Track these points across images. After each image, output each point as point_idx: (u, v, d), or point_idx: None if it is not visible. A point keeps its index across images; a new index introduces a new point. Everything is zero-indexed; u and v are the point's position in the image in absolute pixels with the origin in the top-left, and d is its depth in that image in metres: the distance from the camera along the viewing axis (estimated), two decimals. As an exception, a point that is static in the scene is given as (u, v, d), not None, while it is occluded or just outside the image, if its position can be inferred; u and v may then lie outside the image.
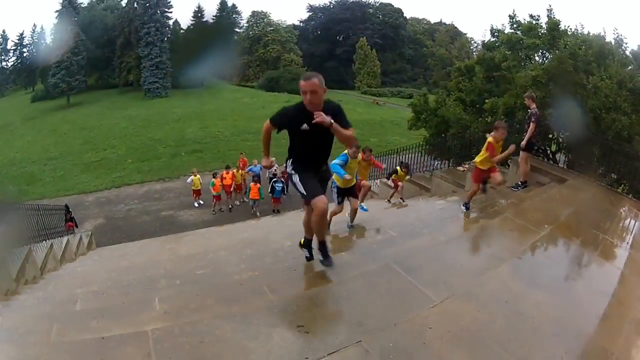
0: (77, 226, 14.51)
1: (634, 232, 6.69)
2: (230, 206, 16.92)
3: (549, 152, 12.03)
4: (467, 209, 7.20)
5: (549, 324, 3.53)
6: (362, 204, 8.02)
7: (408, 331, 3.25)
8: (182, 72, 50.43)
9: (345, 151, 6.53)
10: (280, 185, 15.49)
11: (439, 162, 12.87)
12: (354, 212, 7.19)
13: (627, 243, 6.08)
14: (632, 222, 7.13)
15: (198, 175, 17.05)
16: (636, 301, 4.19)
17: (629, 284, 4.60)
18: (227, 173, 16.53)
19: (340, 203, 6.84)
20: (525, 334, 3.34)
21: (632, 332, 3.60)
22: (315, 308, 3.56)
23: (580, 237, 5.75)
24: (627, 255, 5.45)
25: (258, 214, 15.17)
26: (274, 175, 15.84)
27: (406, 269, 4.22)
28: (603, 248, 5.45)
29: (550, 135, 11.78)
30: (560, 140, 11.66)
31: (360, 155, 7.14)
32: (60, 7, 50.19)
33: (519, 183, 8.50)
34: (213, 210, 16.49)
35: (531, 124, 8.23)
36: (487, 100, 15.77)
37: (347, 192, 6.83)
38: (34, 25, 59.78)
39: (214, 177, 16.07)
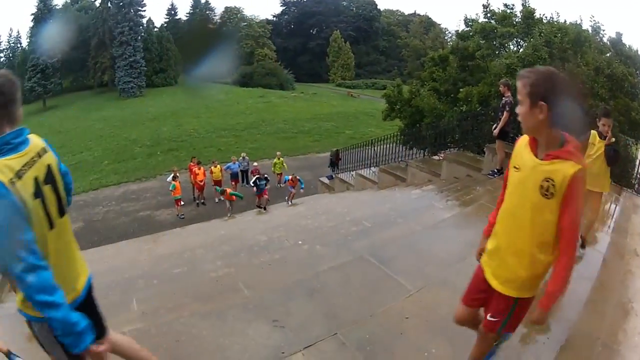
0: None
1: (614, 216, 6.69)
2: (202, 201, 16.58)
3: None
4: None
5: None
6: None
7: (384, 322, 3.24)
8: (155, 70, 49.87)
9: None
10: (264, 182, 13.16)
11: (415, 152, 12.74)
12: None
13: (609, 227, 6.07)
14: (612, 206, 7.13)
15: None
16: (620, 284, 4.17)
17: (612, 268, 4.58)
18: (199, 169, 16.11)
19: None
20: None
21: (617, 315, 3.56)
22: (290, 302, 3.52)
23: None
24: (609, 240, 5.44)
25: (233, 215, 13.90)
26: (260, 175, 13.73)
27: (381, 259, 4.22)
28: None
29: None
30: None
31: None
32: (36, 10, 49.18)
33: (495, 170, 8.48)
34: (181, 215, 15.66)
35: (505, 112, 8.17)
36: (461, 90, 15.78)
37: None
38: (10, 29, 58.12)
39: (174, 180, 15.31)
